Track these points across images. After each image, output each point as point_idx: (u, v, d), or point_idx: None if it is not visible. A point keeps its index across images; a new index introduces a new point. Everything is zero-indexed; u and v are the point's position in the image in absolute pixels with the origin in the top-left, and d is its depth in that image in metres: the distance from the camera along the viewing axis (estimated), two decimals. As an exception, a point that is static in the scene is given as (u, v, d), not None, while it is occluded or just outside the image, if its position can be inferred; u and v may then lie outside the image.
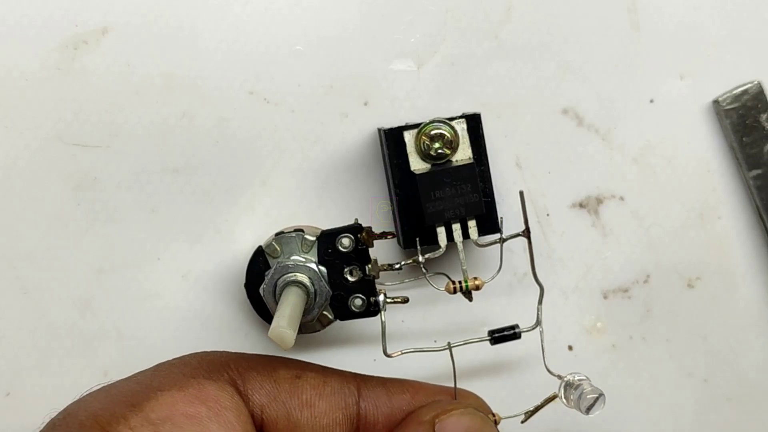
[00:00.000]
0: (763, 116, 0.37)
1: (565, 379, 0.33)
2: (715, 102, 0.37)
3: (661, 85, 0.37)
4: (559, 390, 0.33)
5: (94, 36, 0.35)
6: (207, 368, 0.31)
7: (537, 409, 0.34)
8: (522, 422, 0.34)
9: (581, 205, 0.38)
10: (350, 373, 0.33)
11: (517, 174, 0.37)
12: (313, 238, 0.33)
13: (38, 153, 0.35)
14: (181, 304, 0.35)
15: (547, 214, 0.37)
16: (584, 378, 0.33)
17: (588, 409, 0.32)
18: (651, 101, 0.37)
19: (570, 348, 0.38)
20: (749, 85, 0.37)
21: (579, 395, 0.32)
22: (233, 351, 0.33)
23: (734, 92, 0.37)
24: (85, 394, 0.30)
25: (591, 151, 0.37)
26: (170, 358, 0.32)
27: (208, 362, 0.31)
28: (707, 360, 0.38)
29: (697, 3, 0.37)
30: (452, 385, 0.33)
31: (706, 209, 0.38)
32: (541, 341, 0.34)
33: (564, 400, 0.33)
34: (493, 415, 0.33)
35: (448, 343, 0.33)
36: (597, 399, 0.31)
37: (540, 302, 0.33)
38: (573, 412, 0.38)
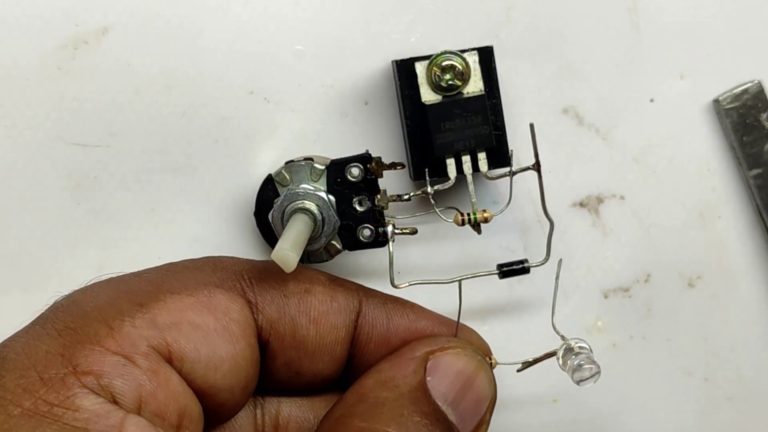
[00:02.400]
0: (764, 115, 0.37)
1: (568, 342, 0.33)
2: (716, 101, 0.37)
3: (661, 85, 0.37)
4: (559, 351, 0.33)
5: (95, 35, 0.35)
6: (220, 276, 0.30)
7: (535, 361, 0.33)
8: (518, 371, 0.34)
9: (582, 205, 0.38)
10: (355, 286, 0.33)
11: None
12: (323, 167, 0.33)
13: (38, 152, 0.35)
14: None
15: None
16: (586, 347, 0.32)
17: (580, 381, 0.31)
18: (651, 101, 0.37)
19: (570, 347, 0.37)
20: (749, 85, 0.37)
21: (576, 364, 0.31)
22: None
23: (734, 91, 0.37)
24: (92, 282, 0.29)
25: (591, 151, 0.37)
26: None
27: (221, 269, 0.31)
28: (708, 359, 0.38)
29: (698, 2, 0.37)
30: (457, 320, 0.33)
31: (707, 209, 0.38)
32: (556, 284, 0.33)
33: (560, 362, 0.33)
34: (491, 357, 0.33)
35: (459, 281, 0.33)
36: (592, 374, 0.31)
37: (550, 237, 0.33)
38: (574, 412, 0.38)
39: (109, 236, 0.35)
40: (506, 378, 0.37)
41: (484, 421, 0.30)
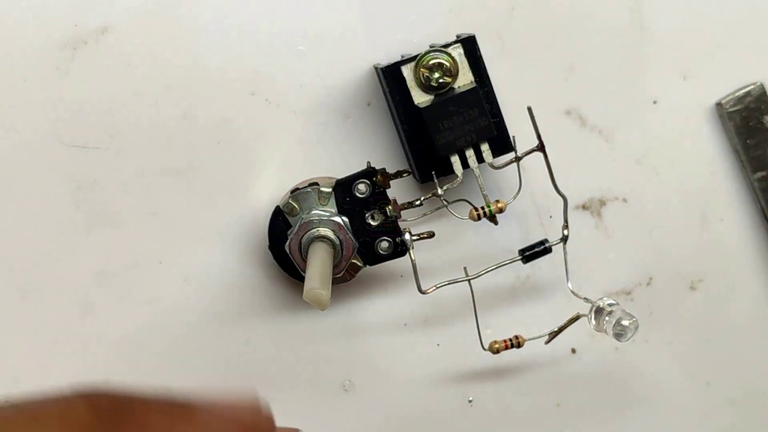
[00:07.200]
0: (766, 118, 0.37)
1: (596, 303, 0.33)
2: (718, 104, 0.37)
3: (664, 87, 0.37)
4: (590, 313, 0.34)
5: (94, 36, 0.34)
6: None
7: (561, 329, 0.34)
8: (546, 343, 0.35)
9: (584, 207, 0.37)
10: None
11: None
12: (329, 189, 0.33)
13: (38, 154, 0.34)
14: (184, 303, 0.35)
15: (550, 216, 0.37)
16: (615, 303, 0.33)
17: (621, 337, 0.32)
18: (654, 103, 0.37)
19: (573, 351, 0.37)
20: (752, 87, 0.37)
21: (616, 321, 0.32)
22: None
23: (737, 94, 0.37)
24: None
25: (594, 153, 0.37)
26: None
27: None
28: (710, 362, 0.38)
29: (700, 5, 0.37)
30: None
31: (709, 211, 0.38)
32: (565, 257, 0.34)
33: (592, 324, 0.33)
34: (518, 338, 0.34)
35: (465, 269, 0.33)
36: (634, 327, 0.32)
37: (565, 212, 0.34)
38: (576, 415, 0.38)
39: (110, 239, 0.35)
40: (509, 382, 0.37)
41: None
